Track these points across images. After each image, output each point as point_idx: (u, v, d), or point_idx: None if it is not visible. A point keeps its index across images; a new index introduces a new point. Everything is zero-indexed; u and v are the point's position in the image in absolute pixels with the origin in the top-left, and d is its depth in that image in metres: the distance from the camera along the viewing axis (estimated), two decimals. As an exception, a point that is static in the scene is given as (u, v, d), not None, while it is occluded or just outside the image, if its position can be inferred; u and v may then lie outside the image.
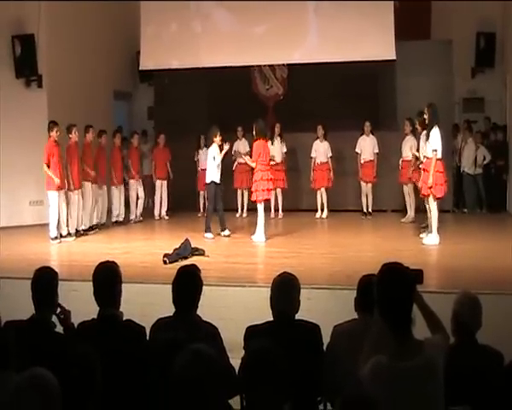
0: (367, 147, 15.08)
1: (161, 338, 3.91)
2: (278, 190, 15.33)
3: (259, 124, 12.20)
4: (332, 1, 14.34)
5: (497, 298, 7.29)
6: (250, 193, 12.54)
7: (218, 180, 12.60)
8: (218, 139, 12.67)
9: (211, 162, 12.62)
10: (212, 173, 12.59)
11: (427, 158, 11.13)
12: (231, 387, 3.99)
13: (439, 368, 3.36)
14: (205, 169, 15.32)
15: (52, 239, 12.31)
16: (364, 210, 15.21)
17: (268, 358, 3.22)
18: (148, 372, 3.86)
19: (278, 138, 15.19)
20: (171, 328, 4.35)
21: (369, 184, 15.17)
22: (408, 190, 14.22)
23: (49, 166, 12.23)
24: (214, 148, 12.69)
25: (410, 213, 14.16)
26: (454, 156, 15.98)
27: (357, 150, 15.13)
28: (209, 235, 12.46)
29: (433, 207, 11.11)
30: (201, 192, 15.93)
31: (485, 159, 15.83)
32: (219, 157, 12.59)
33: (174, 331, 3.98)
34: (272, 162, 14.91)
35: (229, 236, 12.57)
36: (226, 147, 12.91)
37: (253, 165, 12.17)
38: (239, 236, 12.77)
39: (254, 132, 12.12)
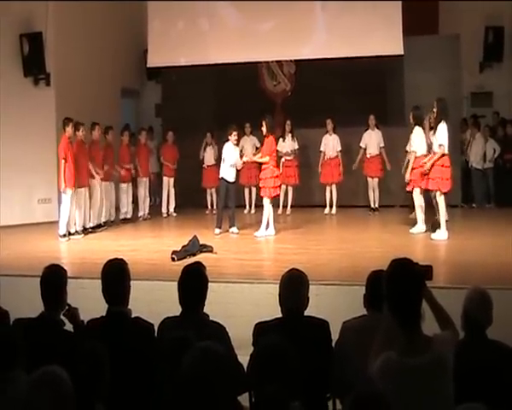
0: (372, 141, 15.03)
1: (169, 336, 3.90)
2: (289, 187, 15.35)
3: (270, 120, 12.20)
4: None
5: (505, 294, 7.26)
6: (259, 189, 12.45)
7: (230, 179, 12.60)
8: (233, 138, 12.69)
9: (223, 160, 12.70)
10: (223, 170, 12.63)
11: (434, 153, 11.13)
12: (240, 384, 3.99)
13: (448, 364, 3.35)
14: (210, 166, 15.43)
15: (61, 237, 12.32)
16: (372, 205, 15.20)
17: (278, 354, 3.22)
18: (157, 369, 3.85)
19: (289, 135, 15.17)
20: (178, 328, 4.33)
21: (376, 179, 15.13)
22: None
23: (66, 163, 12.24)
24: (228, 146, 12.71)
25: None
26: (464, 151, 15.96)
27: (361, 145, 15.09)
28: (216, 230, 12.49)
29: (440, 201, 11.10)
30: (208, 189, 15.95)
31: (495, 152, 15.81)
32: (231, 159, 12.62)
33: (182, 330, 3.97)
34: (288, 158, 15.00)
35: (237, 234, 12.56)
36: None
37: (267, 159, 12.12)
38: (247, 232, 12.76)
39: (265, 129, 12.09)
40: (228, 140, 12.72)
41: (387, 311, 3.42)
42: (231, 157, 12.62)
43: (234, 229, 12.61)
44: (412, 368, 3.28)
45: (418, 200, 11.71)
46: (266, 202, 12.09)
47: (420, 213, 11.75)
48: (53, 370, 3.06)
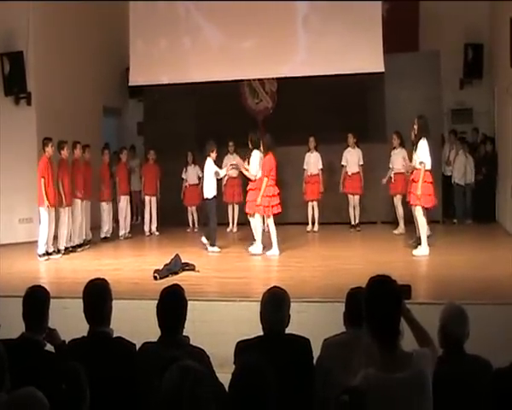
0: (352, 159, 15.10)
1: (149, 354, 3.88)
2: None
3: (267, 139, 12.22)
4: (320, 14, 14.43)
5: (485, 308, 7.31)
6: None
7: (208, 195, 12.73)
8: (214, 155, 12.76)
9: (211, 177, 12.70)
10: (213, 188, 12.70)
11: (416, 169, 11.19)
12: (221, 403, 3.97)
13: (427, 380, 3.36)
14: (193, 185, 15.46)
15: (40, 256, 12.25)
16: (352, 222, 15.22)
17: (255, 373, 3.20)
18: (138, 390, 3.84)
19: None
20: (158, 351, 4.29)
21: (357, 196, 15.18)
22: (396, 201, 14.28)
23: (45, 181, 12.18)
24: (210, 163, 12.77)
25: (401, 224, 14.18)
26: (443, 166, 16.06)
27: (343, 163, 15.15)
28: (216, 249, 12.54)
29: (420, 217, 11.14)
30: (189, 208, 15.95)
31: (473, 168, 15.92)
32: (223, 171, 12.98)
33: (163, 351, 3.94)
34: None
35: (206, 248, 12.60)
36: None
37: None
38: (229, 250, 12.76)
39: (262, 147, 12.10)
40: (208, 156, 12.80)
41: (366, 328, 3.43)
42: (211, 174, 12.71)
43: (206, 243, 12.69)
44: (391, 383, 3.28)
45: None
46: (271, 222, 12.09)
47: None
48: (30, 391, 3.04)
